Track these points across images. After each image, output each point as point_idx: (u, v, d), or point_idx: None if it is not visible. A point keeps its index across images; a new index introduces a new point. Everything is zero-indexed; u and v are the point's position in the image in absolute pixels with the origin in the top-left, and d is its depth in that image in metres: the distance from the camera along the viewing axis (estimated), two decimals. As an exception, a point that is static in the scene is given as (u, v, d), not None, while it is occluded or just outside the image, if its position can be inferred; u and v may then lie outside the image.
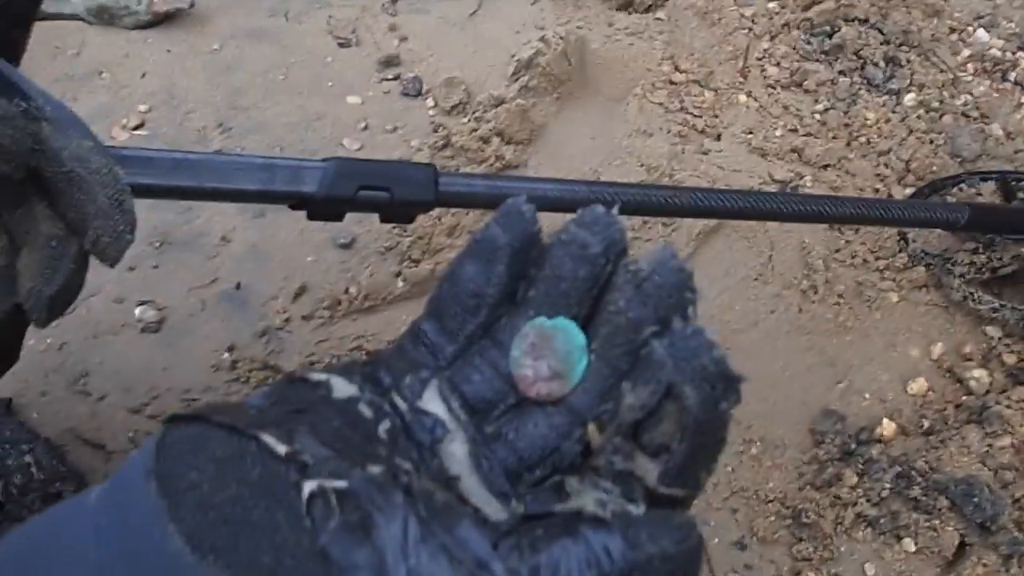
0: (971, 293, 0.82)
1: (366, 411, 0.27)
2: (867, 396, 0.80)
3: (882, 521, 0.72)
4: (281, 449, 0.24)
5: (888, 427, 0.77)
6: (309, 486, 0.23)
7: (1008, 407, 0.75)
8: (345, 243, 0.92)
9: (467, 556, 0.23)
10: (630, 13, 1.19)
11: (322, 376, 0.28)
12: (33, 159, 0.38)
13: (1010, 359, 0.79)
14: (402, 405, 0.27)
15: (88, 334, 0.82)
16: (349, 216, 0.97)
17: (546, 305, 0.29)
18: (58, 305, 0.40)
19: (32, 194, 0.40)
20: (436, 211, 0.94)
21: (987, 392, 0.78)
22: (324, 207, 0.55)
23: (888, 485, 0.73)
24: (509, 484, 0.27)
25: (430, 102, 1.11)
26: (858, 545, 0.72)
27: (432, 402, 0.28)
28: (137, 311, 0.84)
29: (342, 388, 0.27)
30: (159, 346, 0.83)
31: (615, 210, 0.29)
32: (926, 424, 0.77)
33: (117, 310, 0.84)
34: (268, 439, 0.24)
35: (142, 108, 1.05)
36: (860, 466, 0.74)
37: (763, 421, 0.79)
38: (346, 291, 0.87)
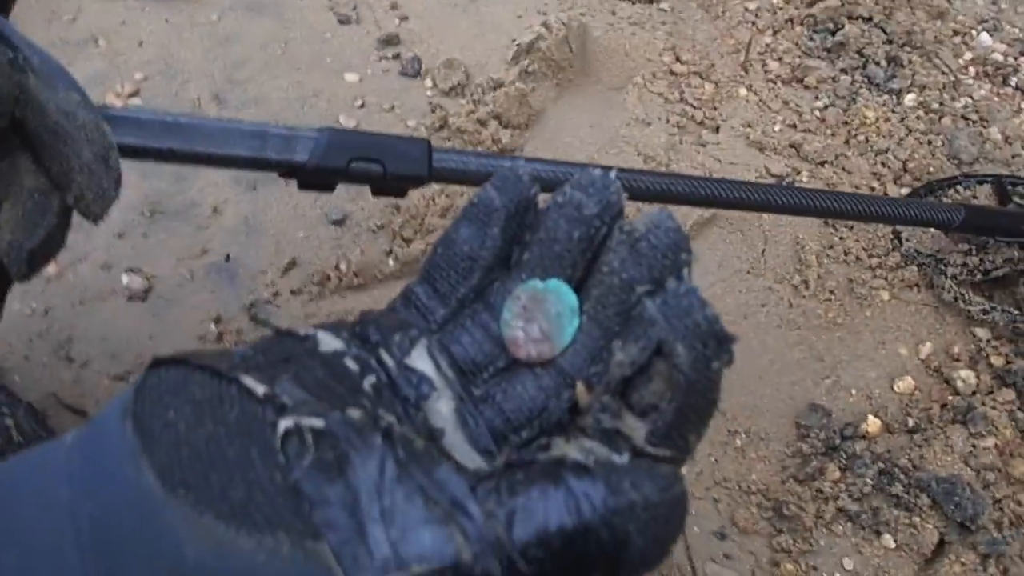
0: (962, 294, 0.82)
1: (352, 365, 0.26)
2: (854, 392, 0.80)
3: (863, 516, 0.72)
4: (260, 390, 0.24)
5: (873, 424, 0.77)
6: (284, 423, 0.23)
7: (993, 408, 0.75)
8: (337, 220, 0.91)
9: (443, 497, 0.23)
10: (633, 2, 1.19)
11: (309, 331, 0.27)
12: (18, 110, 0.37)
13: (998, 361, 0.79)
14: (389, 361, 0.27)
15: (74, 300, 0.82)
16: (342, 193, 0.97)
17: (539, 268, 0.28)
18: (38, 259, 0.40)
19: (16, 146, 0.39)
20: (430, 191, 0.94)
21: (973, 393, 0.78)
22: (315, 177, 0.54)
23: (870, 481, 0.73)
24: (495, 444, 0.26)
25: (428, 82, 1.10)
26: (837, 539, 0.72)
27: (420, 360, 0.27)
28: (124, 279, 0.83)
29: (328, 342, 0.27)
30: (145, 315, 0.82)
31: (612, 173, 0.28)
32: (911, 422, 0.77)
33: (104, 277, 0.84)
34: (248, 381, 0.24)
35: (138, 76, 1.04)
36: (844, 461, 0.74)
37: (749, 413, 0.79)
38: (336, 267, 0.87)
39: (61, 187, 0.39)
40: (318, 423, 0.23)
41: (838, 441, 0.76)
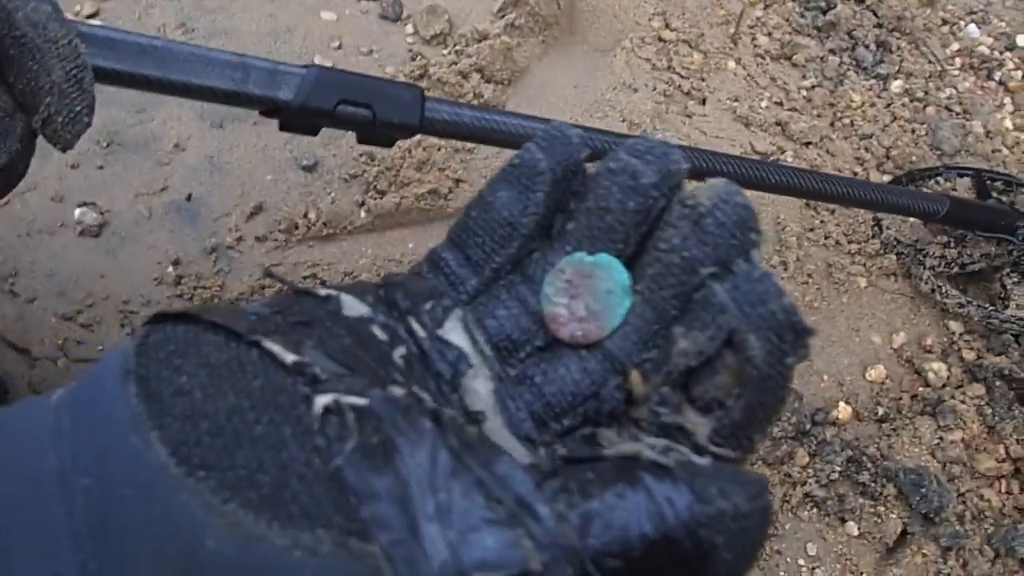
0: (939, 286, 0.81)
1: (380, 333, 0.24)
2: (826, 378, 0.80)
3: (829, 503, 0.71)
4: (288, 358, 0.21)
5: (844, 411, 0.76)
6: (323, 400, 0.20)
7: (963, 403, 0.75)
8: (308, 165, 0.87)
9: (507, 494, 0.20)
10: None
11: (332, 291, 0.24)
12: None
13: (969, 355, 0.79)
14: (420, 332, 0.24)
15: (21, 231, 0.77)
16: (314, 138, 0.92)
17: (587, 239, 0.25)
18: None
19: None
20: (406, 143, 0.90)
21: (944, 386, 0.78)
22: (299, 118, 0.51)
23: (838, 468, 0.72)
24: (535, 430, 0.24)
25: (409, 28, 1.05)
26: (803, 524, 0.71)
27: (454, 333, 0.25)
28: (77, 212, 0.78)
29: (353, 306, 0.24)
30: (98, 252, 0.77)
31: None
32: (881, 411, 0.77)
33: (55, 209, 0.79)
34: (272, 346, 0.21)
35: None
36: (813, 447, 0.74)
37: (721, 393, 0.78)
38: (305, 215, 0.83)
39: (27, 108, 0.35)
40: (360, 401, 0.20)
41: (808, 426, 0.75)
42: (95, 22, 0.97)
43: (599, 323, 0.25)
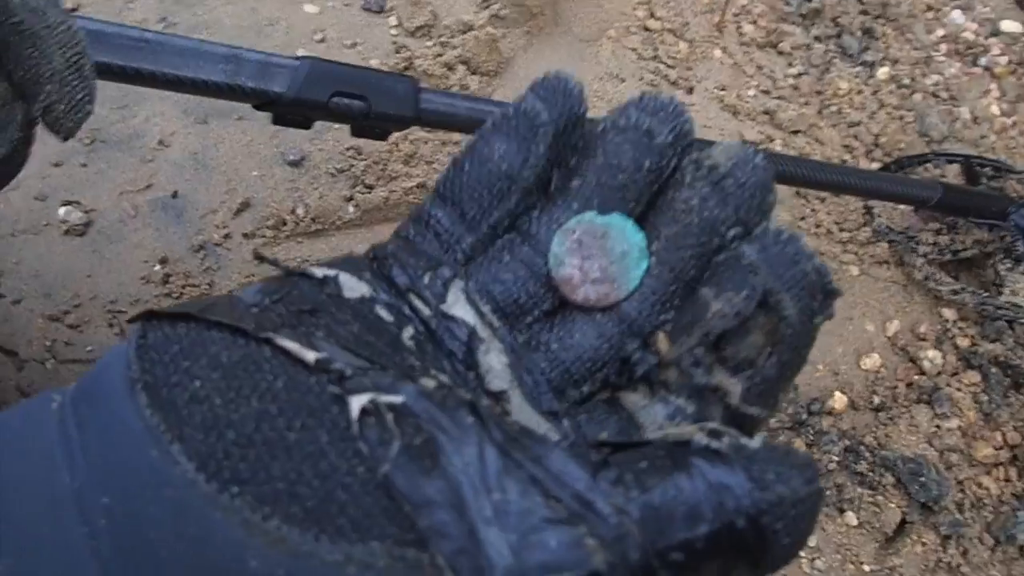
0: (933, 273, 0.81)
1: (385, 314, 0.22)
2: (820, 367, 0.79)
3: (827, 493, 0.71)
4: (309, 356, 0.19)
5: (839, 400, 0.76)
6: (359, 401, 0.19)
7: (958, 390, 0.75)
8: (295, 160, 0.85)
9: (564, 491, 0.19)
10: None
11: (329, 271, 0.23)
12: None
13: (963, 342, 0.80)
14: (424, 310, 0.23)
15: (5, 232, 0.75)
16: (301, 132, 0.91)
17: (597, 198, 0.25)
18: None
19: None
20: (393, 137, 0.89)
21: (939, 373, 0.78)
22: (293, 111, 0.50)
23: (836, 458, 0.72)
24: (555, 401, 0.23)
25: (393, 20, 1.04)
26: (801, 515, 0.71)
27: (458, 306, 0.23)
28: (61, 211, 0.77)
29: (353, 286, 0.23)
30: (84, 251, 0.76)
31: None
32: (877, 400, 0.77)
33: (39, 208, 0.77)
34: (288, 343, 0.20)
35: (78, -10, 0.95)
36: (810, 437, 0.74)
37: (717, 384, 0.77)
38: (292, 211, 0.82)
39: (26, 96, 0.34)
40: (397, 399, 0.19)
41: (804, 416, 0.75)
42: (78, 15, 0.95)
43: (615, 285, 0.24)
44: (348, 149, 0.87)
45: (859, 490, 0.71)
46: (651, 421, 0.23)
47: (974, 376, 0.76)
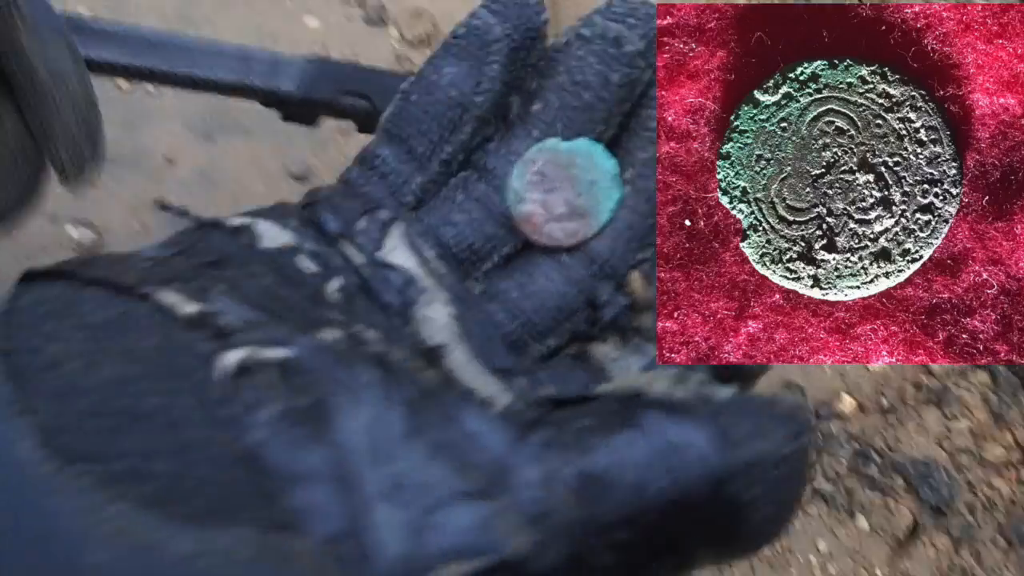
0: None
1: (309, 265, 0.20)
2: (827, 370, 0.79)
3: (837, 497, 0.71)
4: (188, 309, 0.17)
5: (848, 403, 0.76)
6: (233, 356, 0.16)
7: (968, 391, 0.75)
8: (299, 175, 0.86)
9: (482, 456, 0.15)
10: None
11: (244, 220, 0.20)
12: (5, 64, 0.33)
13: (972, 343, 0.79)
14: (357, 257, 0.21)
15: (18, 254, 0.76)
16: (304, 145, 0.92)
17: (560, 122, 0.22)
18: (11, 214, 0.36)
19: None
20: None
21: (947, 374, 0.78)
22: (301, 108, 0.51)
23: (845, 461, 0.72)
24: (512, 357, 0.20)
25: (393, 32, 1.04)
26: (812, 520, 0.71)
27: (397, 252, 0.21)
28: (73, 232, 0.78)
29: (273, 235, 0.20)
30: (93, 270, 0.77)
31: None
32: (885, 402, 0.77)
33: (50, 229, 0.78)
34: (167, 297, 0.17)
35: (83, 10, 0.96)
36: (819, 441, 0.74)
37: (725, 390, 0.77)
38: (299, 226, 0.82)
39: (39, 142, 0.35)
40: (282, 353, 0.16)
41: (813, 420, 0.75)
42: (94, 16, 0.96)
43: (584, 221, 0.22)
44: (351, 161, 0.88)
45: (870, 494, 0.71)
46: (624, 375, 0.20)
47: (983, 376, 0.76)
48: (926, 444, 0.73)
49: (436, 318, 0.20)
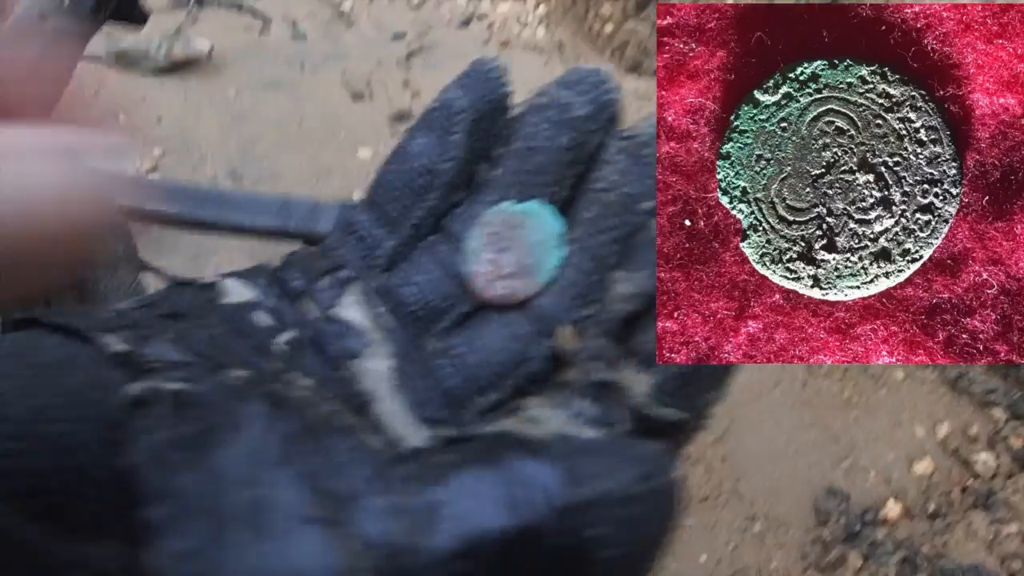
0: (965, 371, 0.81)
1: (264, 319, 0.21)
2: (872, 475, 0.79)
3: (886, 606, 0.70)
4: (118, 347, 0.18)
5: (893, 508, 0.76)
6: (136, 387, 0.17)
7: (1015, 493, 0.75)
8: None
9: (338, 486, 0.17)
10: (639, 76, 1.21)
11: (214, 278, 0.22)
12: None
13: (1016, 443, 0.79)
14: (313, 312, 0.22)
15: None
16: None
17: (515, 185, 0.23)
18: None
19: None
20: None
21: (993, 476, 0.77)
22: None
23: (894, 570, 0.72)
24: (450, 410, 0.21)
25: (442, 158, 1.11)
26: (861, 630, 0.70)
27: (352, 308, 0.22)
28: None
29: (238, 292, 0.21)
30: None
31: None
32: (932, 507, 0.76)
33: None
34: (107, 339, 0.18)
35: (156, 152, 1.05)
36: (865, 548, 0.73)
37: (766, 498, 0.78)
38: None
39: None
40: (181, 387, 0.17)
41: (858, 527, 0.75)
42: (153, 176, 1.05)
43: (529, 279, 0.22)
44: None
45: (919, 602, 0.70)
46: (551, 428, 0.20)
47: (1030, 479, 0.75)
48: (975, 549, 0.72)
49: (376, 369, 0.21)
